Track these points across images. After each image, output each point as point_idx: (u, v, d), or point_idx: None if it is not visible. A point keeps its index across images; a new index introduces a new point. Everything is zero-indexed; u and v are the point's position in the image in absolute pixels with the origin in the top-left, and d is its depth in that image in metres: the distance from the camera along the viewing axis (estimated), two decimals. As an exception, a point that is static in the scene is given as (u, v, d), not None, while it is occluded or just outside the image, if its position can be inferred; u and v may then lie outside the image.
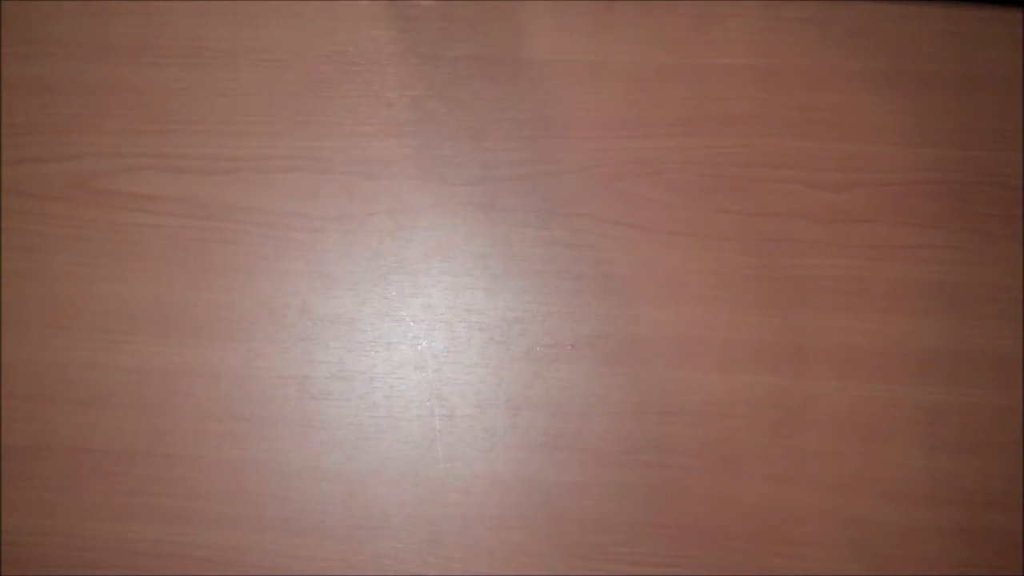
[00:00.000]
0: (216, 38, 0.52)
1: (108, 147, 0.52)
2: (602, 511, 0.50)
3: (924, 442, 0.49)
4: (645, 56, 0.51)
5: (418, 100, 0.51)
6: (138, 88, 0.52)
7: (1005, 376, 0.49)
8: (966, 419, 0.49)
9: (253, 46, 0.52)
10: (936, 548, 0.49)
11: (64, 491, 0.51)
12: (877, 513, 0.49)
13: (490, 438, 0.51)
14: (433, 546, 0.50)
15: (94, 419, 0.51)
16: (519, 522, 0.50)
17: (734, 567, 0.49)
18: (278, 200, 0.51)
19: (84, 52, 0.52)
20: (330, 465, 0.51)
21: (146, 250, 0.51)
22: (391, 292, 0.51)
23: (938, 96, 0.50)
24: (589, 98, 0.51)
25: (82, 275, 0.52)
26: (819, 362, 0.50)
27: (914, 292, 0.50)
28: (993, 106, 0.50)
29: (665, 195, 0.51)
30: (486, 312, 0.51)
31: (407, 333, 0.51)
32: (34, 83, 0.52)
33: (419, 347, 0.51)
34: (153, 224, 0.52)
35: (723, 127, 0.51)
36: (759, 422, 0.50)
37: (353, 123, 0.51)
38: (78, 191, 0.52)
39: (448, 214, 0.51)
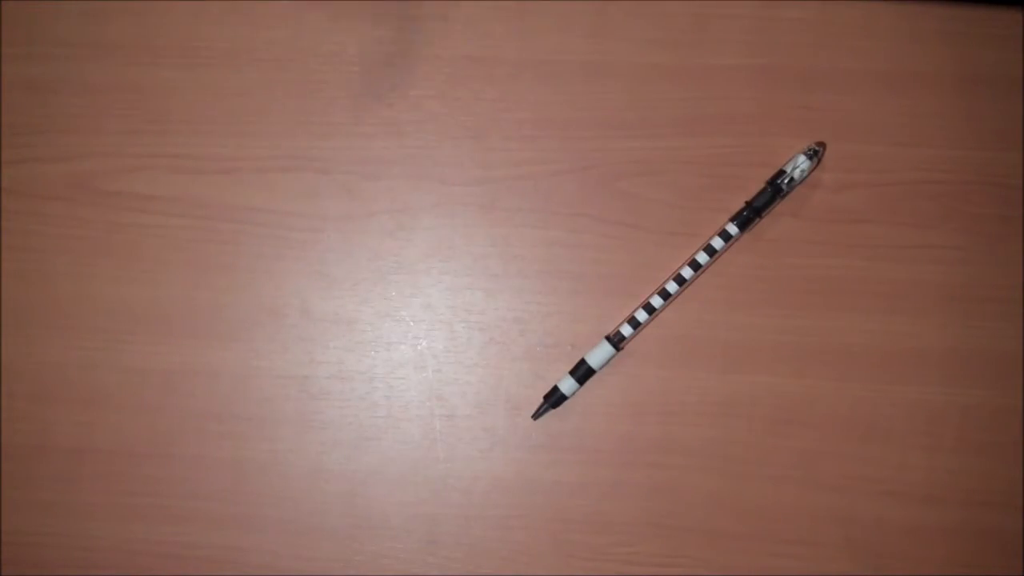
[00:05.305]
0: (216, 38, 0.52)
1: (108, 147, 0.52)
2: (602, 511, 0.50)
3: (924, 442, 0.49)
4: (644, 56, 0.51)
5: (418, 100, 0.51)
6: (138, 88, 0.52)
7: (1005, 376, 0.50)
8: (966, 419, 0.49)
9: (253, 46, 0.52)
10: (936, 548, 0.49)
11: (64, 491, 0.51)
12: (876, 513, 0.49)
13: (490, 438, 0.51)
14: (433, 546, 0.50)
15: (94, 419, 0.51)
16: (519, 522, 0.50)
17: (734, 567, 0.49)
18: (278, 200, 0.51)
19: (84, 52, 0.52)
20: (330, 465, 0.51)
21: (146, 250, 0.51)
22: (391, 292, 0.51)
23: (938, 96, 0.50)
24: (589, 98, 0.51)
25: (82, 275, 0.52)
26: (819, 362, 0.50)
27: (914, 292, 0.50)
28: (993, 106, 0.50)
29: (665, 195, 0.51)
30: (486, 312, 0.51)
31: (407, 333, 0.51)
32: (34, 83, 0.52)
33: (419, 347, 0.51)
34: (153, 224, 0.52)
35: (723, 127, 0.51)
36: (759, 422, 0.50)
37: (353, 123, 0.51)
38: (78, 191, 0.52)
39: (448, 214, 0.51)
